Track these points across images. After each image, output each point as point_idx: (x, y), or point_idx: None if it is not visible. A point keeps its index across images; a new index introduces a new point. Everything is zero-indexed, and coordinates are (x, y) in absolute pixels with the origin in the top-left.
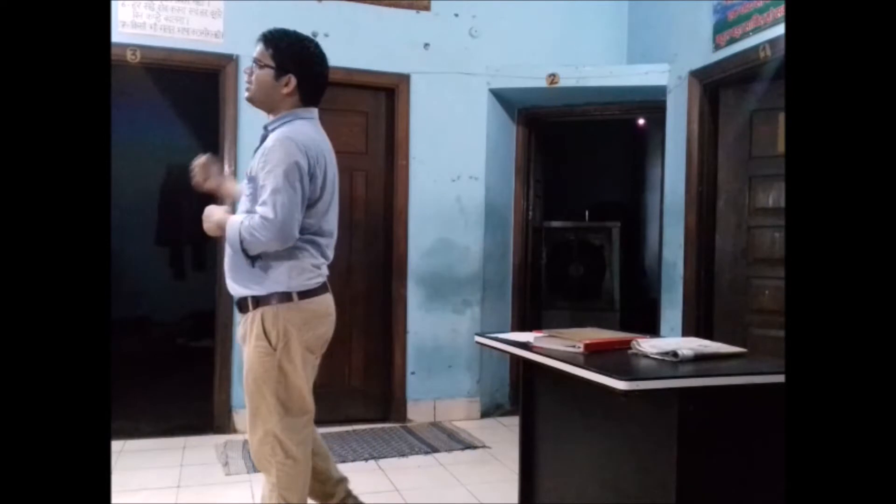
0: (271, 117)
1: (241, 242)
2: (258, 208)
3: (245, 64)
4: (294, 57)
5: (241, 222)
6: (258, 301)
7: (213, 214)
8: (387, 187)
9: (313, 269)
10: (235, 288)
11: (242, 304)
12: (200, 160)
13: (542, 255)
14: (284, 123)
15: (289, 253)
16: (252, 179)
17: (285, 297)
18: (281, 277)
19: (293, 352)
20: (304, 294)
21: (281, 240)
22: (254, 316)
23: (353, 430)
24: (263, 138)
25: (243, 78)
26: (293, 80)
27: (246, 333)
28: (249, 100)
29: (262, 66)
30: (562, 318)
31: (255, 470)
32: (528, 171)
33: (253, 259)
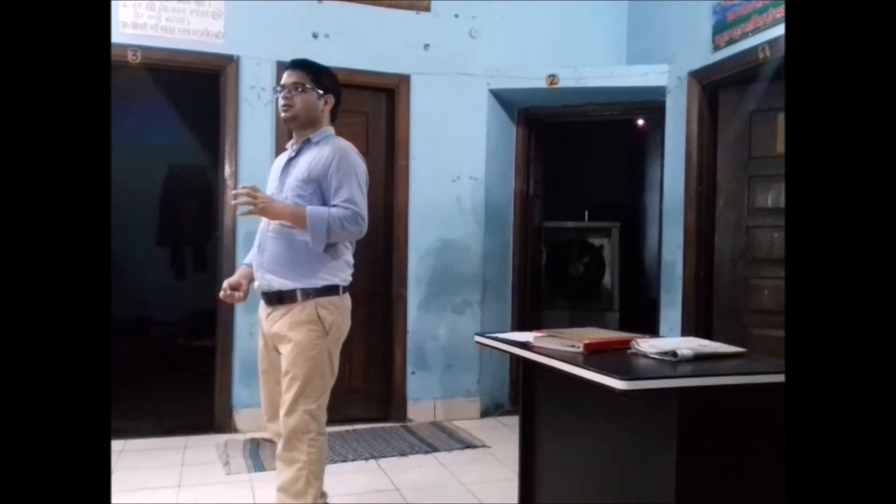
0: (303, 133)
1: (329, 231)
2: (345, 204)
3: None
4: (330, 79)
5: (329, 212)
6: (309, 293)
7: (273, 200)
8: (387, 187)
9: (352, 266)
10: (281, 281)
11: (287, 297)
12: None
13: (542, 255)
14: (328, 137)
15: (340, 250)
16: (310, 181)
17: (335, 289)
18: (335, 271)
19: (339, 339)
20: (346, 289)
21: (361, 234)
22: (304, 306)
23: (354, 430)
24: (299, 150)
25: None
26: (332, 99)
27: (290, 324)
28: (291, 118)
29: (305, 90)
30: (562, 318)
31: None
32: (528, 171)
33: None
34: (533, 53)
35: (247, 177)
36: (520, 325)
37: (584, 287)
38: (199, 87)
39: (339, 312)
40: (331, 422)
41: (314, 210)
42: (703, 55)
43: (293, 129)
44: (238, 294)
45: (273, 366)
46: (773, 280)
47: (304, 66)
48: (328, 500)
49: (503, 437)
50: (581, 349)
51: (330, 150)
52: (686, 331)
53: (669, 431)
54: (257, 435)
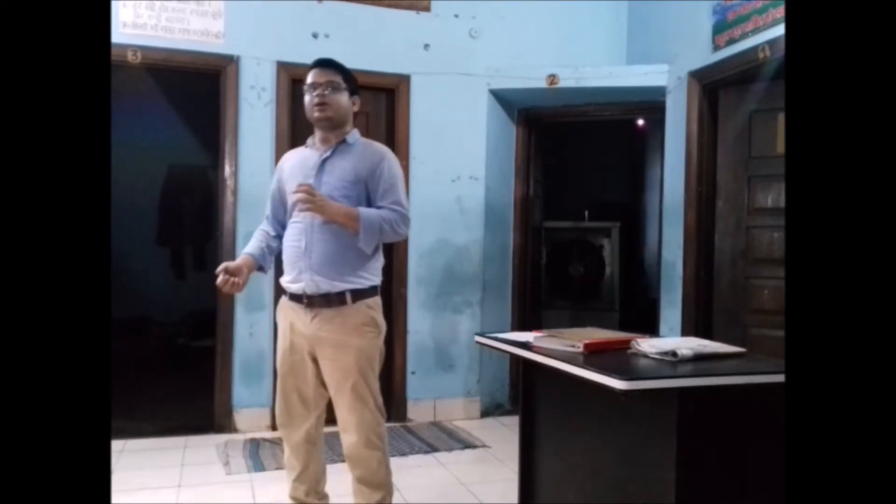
0: (333, 133)
1: (381, 233)
2: (394, 206)
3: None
4: (354, 80)
5: (380, 214)
6: (359, 293)
7: (328, 200)
8: None
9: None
10: (331, 283)
11: (336, 299)
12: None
13: (542, 255)
14: (360, 139)
15: (378, 250)
16: (358, 182)
17: (377, 289)
18: (376, 271)
19: (384, 337)
20: (380, 289)
21: (406, 236)
22: (356, 308)
23: None
24: (334, 151)
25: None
26: (358, 100)
27: (347, 328)
28: (326, 119)
29: (339, 90)
30: (562, 318)
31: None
32: (528, 172)
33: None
34: (533, 53)
35: (247, 177)
36: (520, 325)
37: (584, 287)
38: (199, 87)
39: (380, 311)
40: (331, 421)
41: (366, 212)
42: (703, 55)
43: (324, 129)
44: (236, 280)
45: (296, 369)
46: (773, 280)
47: (335, 66)
48: (329, 501)
49: (503, 437)
50: (581, 349)
51: (375, 153)
52: (686, 331)
53: (669, 431)
54: (257, 435)
